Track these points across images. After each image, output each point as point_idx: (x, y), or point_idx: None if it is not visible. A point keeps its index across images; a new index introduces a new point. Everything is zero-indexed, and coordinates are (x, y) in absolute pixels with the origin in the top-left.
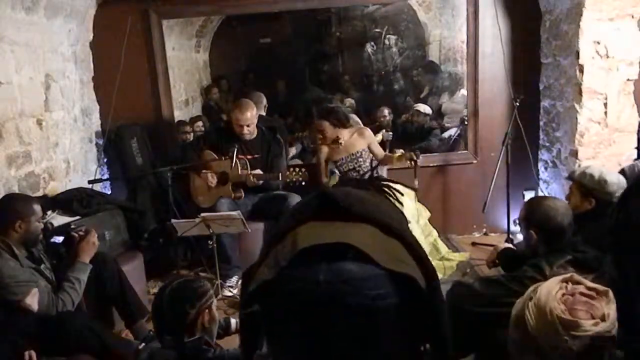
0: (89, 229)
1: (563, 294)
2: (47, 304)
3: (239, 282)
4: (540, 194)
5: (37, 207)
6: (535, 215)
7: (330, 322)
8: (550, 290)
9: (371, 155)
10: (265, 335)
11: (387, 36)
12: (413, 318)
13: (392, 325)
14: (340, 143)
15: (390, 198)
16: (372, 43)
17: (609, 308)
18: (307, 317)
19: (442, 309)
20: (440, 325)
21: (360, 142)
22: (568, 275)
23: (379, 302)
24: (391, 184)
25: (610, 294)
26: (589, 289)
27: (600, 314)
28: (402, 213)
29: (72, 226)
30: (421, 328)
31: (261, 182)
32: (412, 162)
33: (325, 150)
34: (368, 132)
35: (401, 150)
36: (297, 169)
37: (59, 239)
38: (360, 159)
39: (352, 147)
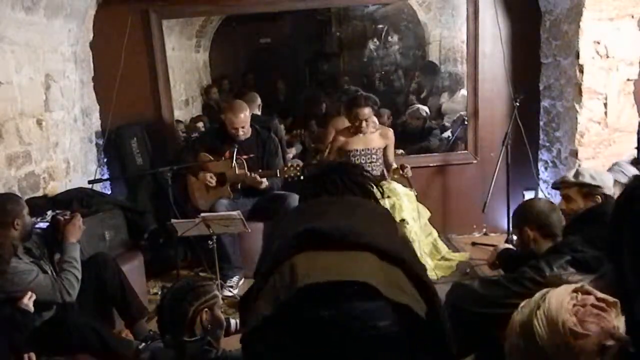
0: (75, 214)
1: (574, 305)
2: (53, 288)
3: (239, 282)
4: (540, 194)
5: (22, 200)
6: (529, 214)
7: (333, 356)
8: (562, 301)
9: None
10: None
11: (387, 36)
12: (414, 344)
13: (395, 353)
14: (363, 132)
15: (368, 191)
16: (372, 43)
17: (619, 320)
18: (312, 354)
19: (446, 327)
20: (445, 341)
21: (380, 141)
22: (579, 285)
23: (382, 332)
24: (365, 174)
25: (619, 305)
26: (599, 299)
27: (610, 327)
28: (390, 215)
29: (58, 212)
30: (425, 351)
31: (264, 180)
32: (404, 176)
33: (341, 139)
34: (391, 134)
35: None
36: (294, 165)
37: (44, 225)
38: (374, 156)
39: (370, 142)
